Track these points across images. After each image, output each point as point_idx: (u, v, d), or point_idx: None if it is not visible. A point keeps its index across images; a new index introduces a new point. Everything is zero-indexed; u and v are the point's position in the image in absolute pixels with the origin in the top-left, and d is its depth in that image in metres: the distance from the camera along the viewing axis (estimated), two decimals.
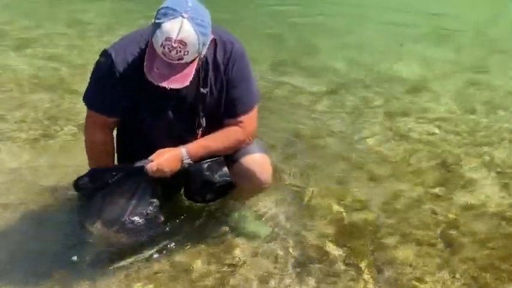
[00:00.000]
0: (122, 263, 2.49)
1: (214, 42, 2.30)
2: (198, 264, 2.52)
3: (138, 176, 2.35)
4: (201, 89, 2.35)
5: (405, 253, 2.60)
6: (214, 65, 2.34)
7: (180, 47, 2.08)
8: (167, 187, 2.51)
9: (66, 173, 2.98)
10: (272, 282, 2.43)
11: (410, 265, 2.52)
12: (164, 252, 2.56)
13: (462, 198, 3.01)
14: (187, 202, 2.71)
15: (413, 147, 3.53)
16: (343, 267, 2.51)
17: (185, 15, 2.07)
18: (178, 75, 2.13)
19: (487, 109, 4.09)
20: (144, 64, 2.14)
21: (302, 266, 2.52)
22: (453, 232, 2.74)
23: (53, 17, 6.26)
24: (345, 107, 4.11)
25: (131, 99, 2.32)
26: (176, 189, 2.68)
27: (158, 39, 2.08)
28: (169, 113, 2.36)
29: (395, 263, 2.54)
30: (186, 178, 2.44)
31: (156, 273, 2.47)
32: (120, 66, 2.26)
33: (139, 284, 2.41)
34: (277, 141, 3.51)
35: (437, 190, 3.08)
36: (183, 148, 2.34)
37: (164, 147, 2.34)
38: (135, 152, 2.40)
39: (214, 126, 2.42)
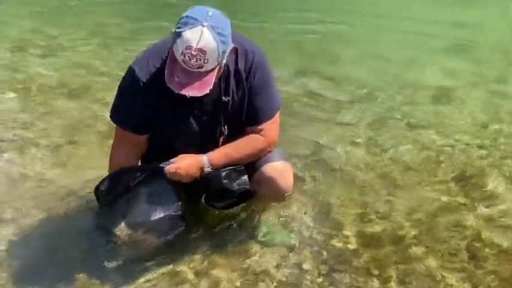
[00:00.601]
0: (146, 267, 2.50)
1: (235, 50, 2.31)
2: (221, 273, 2.52)
3: (161, 178, 2.35)
4: (223, 98, 2.36)
5: (429, 264, 2.56)
6: (235, 74, 2.35)
7: (200, 55, 2.09)
8: (190, 192, 2.51)
9: (89, 179, 3.01)
10: None
11: (434, 277, 2.49)
12: (187, 258, 2.57)
13: (485, 210, 2.96)
14: (209, 208, 2.71)
15: (437, 158, 3.48)
16: (367, 277, 2.49)
17: (205, 24, 2.09)
18: (197, 83, 2.13)
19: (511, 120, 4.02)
20: (165, 72, 2.16)
21: (325, 275, 2.51)
22: (477, 244, 2.70)
23: (79, 25, 6.36)
24: (367, 116, 4.07)
25: (154, 109, 2.34)
26: (196, 195, 2.68)
27: (178, 48, 2.10)
28: (192, 121, 2.38)
29: (419, 274, 2.51)
30: (205, 185, 2.45)
31: (179, 280, 2.47)
32: (144, 79, 2.28)
33: None
34: (298, 150, 3.49)
35: (461, 201, 3.03)
36: (205, 156, 2.35)
37: None
38: (157, 160, 2.40)
39: (236, 134, 2.42)
